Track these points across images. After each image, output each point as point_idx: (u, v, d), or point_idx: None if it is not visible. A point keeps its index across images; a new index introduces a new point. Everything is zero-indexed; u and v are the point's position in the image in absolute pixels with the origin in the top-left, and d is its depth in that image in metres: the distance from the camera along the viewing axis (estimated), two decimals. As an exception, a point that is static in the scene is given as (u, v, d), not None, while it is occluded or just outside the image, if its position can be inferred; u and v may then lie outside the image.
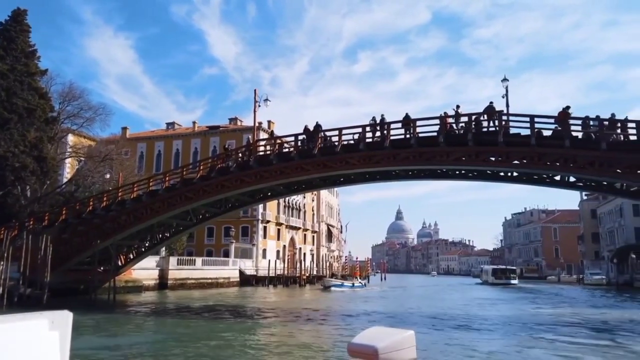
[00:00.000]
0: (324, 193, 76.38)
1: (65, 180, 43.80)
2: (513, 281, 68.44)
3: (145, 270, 36.21)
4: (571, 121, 20.00)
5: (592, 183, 23.22)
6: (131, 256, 32.06)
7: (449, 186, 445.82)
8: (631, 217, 64.36)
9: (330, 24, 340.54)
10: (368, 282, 73.77)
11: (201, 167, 27.88)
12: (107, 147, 42.40)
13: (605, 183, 22.76)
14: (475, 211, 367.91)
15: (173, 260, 39.98)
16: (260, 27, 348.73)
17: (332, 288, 46.53)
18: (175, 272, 39.54)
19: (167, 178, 28.23)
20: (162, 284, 38.06)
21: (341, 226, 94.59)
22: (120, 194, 29.30)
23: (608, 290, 53.32)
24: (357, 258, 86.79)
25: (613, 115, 19.72)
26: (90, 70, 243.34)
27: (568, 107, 19.96)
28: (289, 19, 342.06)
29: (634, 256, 59.09)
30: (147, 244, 31.81)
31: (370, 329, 1.92)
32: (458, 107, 22.45)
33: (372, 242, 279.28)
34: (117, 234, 28.13)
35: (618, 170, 19.27)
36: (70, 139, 45.50)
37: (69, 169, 47.31)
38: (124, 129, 62.37)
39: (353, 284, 52.11)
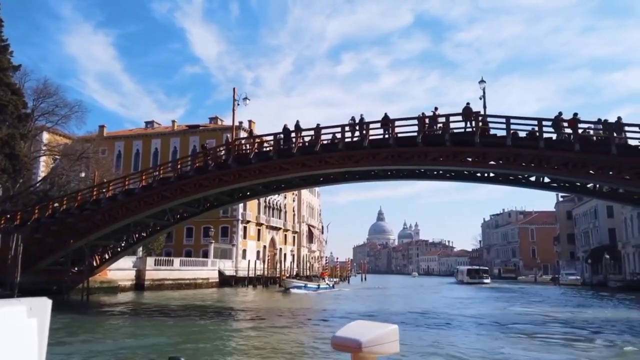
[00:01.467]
0: (305, 193, 76.25)
1: (39, 178, 42.77)
2: (486, 280, 72.40)
3: (121, 270, 35.56)
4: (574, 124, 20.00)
5: (566, 184, 23.65)
6: (106, 256, 31.44)
7: (430, 188, 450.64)
8: (605, 219, 65.87)
9: (314, 24, 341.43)
10: (348, 282, 74.06)
11: (178, 166, 27.50)
12: (83, 146, 41.55)
13: (578, 184, 23.22)
14: (456, 212, 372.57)
15: (150, 260, 39.38)
16: (243, 26, 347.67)
17: (293, 290, 41.37)
18: (153, 272, 38.95)
19: (143, 177, 27.78)
20: (139, 284, 37.45)
21: (322, 227, 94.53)
22: (95, 193, 28.72)
23: (582, 290, 54.48)
24: (337, 259, 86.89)
25: (619, 118, 19.53)
26: (69, 67, 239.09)
27: (576, 114, 20.03)
28: (272, 18, 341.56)
29: (607, 257, 60.51)
30: (123, 244, 31.23)
31: (354, 322, 1.93)
32: (436, 109, 22.65)
33: (354, 242, 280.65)
34: (91, 234, 27.55)
35: (591, 172, 19.65)
36: (45, 136, 44.38)
37: (43, 167, 46.16)
38: (101, 127, 61.22)
39: (319, 285, 47.85)
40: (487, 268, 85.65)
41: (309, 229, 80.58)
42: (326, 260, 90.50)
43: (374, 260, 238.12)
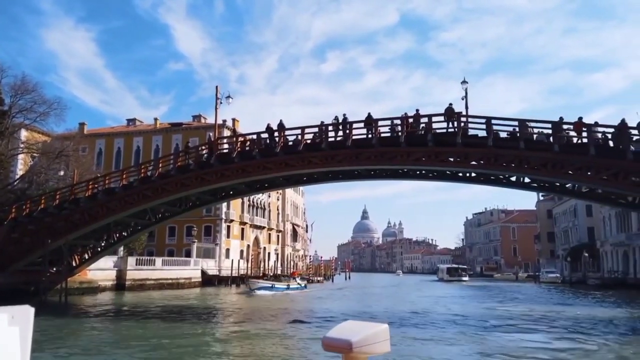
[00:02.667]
0: (289, 192, 76.12)
1: (17, 176, 41.86)
2: (464, 278, 77.48)
3: (101, 270, 35.04)
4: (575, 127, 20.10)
5: (546, 184, 24.01)
6: (86, 256, 30.89)
7: (414, 187, 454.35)
8: (584, 218, 67.19)
9: (299, 22, 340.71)
10: (332, 281, 74.17)
11: (160, 165, 27.16)
12: (62, 143, 40.78)
13: (558, 184, 23.58)
14: (440, 212, 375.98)
15: (131, 260, 38.87)
16: (228, 23, 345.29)
17: (259, 292, 38.07)
18: (134, 272, 38.46)
19: (124, 176, 27.38)
20: (120, 284, 36.95)
21: (307, 225, 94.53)
22: (74, 191, 28.21)
23: (561, 288, 55.49)
24: (321, 258, 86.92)
25: (623, 120, 19.47)
26: (49, 62, 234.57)
27: (581, 118, 20.16)
28: (257, 15, 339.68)
29: (586, 255, 61.73)
30: (103, 244, 30.73)
31: (345, 322, 1.93)
32: (417, 110, 22.77)
33: (339, 241, 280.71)
34: (70, 233, 27.05)
35: (569, 172, 19.96)
36: (24, 134, 43.38)
37: (21, 165, 45.20)
38: (82, 124, 60.17)
39: (288, 285, 44.10)
40: (465, 266, 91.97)
41: (294, 227, 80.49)
42: (310, 259, 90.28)
43: (358, 258, 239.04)
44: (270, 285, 41.13)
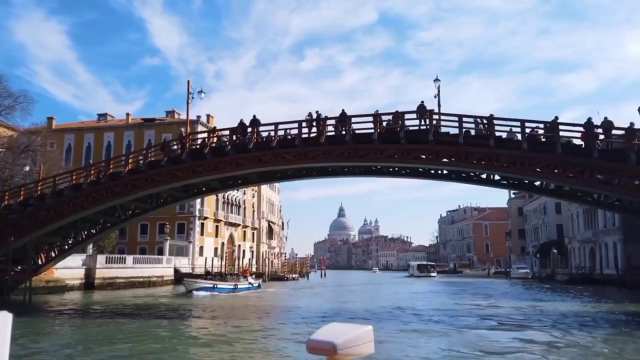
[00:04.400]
0: (265, 189, 75.69)
1: (-20, 172, 40.32)
2: (432, 274, 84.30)
3: (69, 269, 34.11)
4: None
5: (515, 181, 24.44)
6: (53, 254, 29.97)
7: (391, 185, 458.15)
8: (554, 215, 68.92)
9: (278, 18, 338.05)
10: (307, 278, 74.15)
11: (130, 160, 26.56)
12: (29, 138, 39.50)
13: (527, 181, 24.03)
14: (415, 209, 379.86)
15: (101, 258, 37.97)
16: (205, 18, 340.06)
17: (197, 292, 33.62)
18: (104, 270, 37.58)
19: (92, 171, 26.66)
20: (89, 283, 36.05)
21: (282, 223, 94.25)
22: (40, 187, 27.34)
23: (531, 283, 56.87)
24: (297, 255, 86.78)
25: (632, 124, 19.58)
26: (18, 55, 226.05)
27: (590, 118, 20.34)
28: (235, 11, 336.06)
29: (555, 251, 63.36)
30: (70, 242, 29.88)
31: (329, 325, 1.93)
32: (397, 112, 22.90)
33: (315, 239, 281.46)
34: (35, 231, 26.16)
35: (537, 169, 20.38)
36: (-12, 128, 41.96)
37: (-15, 160, 43.61)
38: (50, 119, 58.42)
39: (235, 285, 38.31)
40: (434, 263, 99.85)
41: (269, 225, 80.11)
42: (285, 257, 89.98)
43: (334, 256, 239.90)
44: (211, 286, 36.01)
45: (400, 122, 21.74)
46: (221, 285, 37.05)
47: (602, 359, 12.52)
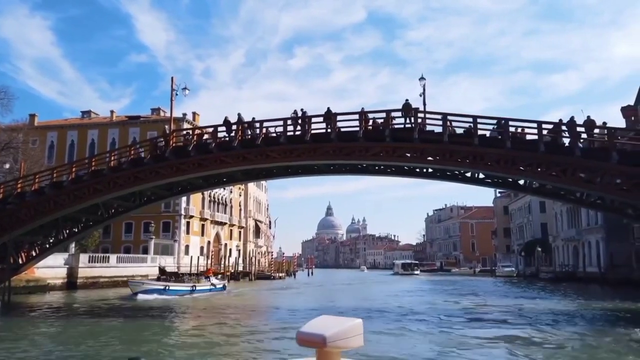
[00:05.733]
0: (252, 188, 75.34)
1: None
2: (416, 272, 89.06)
3: (50, 268, 33.55)
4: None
5: (499, 180, 24.56)
6: (34, 253, 29.41)
7: (379, 183, 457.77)
8: (538, 214, 69.70)
9: (267, 16, 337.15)
10: (294, 277, 74.05)
11: (113, 158, 26.17)
12: (9, 135, 38.76)
13: (510, 180, 24.18)
14: (403, 208, 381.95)
15: (84, 257, 37.43)
16: (194, 15, 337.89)
17: (142, 296, 29.37)
18: (87, 270, 37.05)
19: (73, 169, 26.22)
20: (71, 283, 35.51)
21: (270, 222, 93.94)
22: (20, 185, 26.80)
23: (516, 281, 57.45)
24: (284, 254, 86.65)
25: (605, 123, 19.93)
26: (1, 51, 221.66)
27: (573, 117, 20.44)
28: (224, 8, 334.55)
29: (539, 249, 64.11)
30: (51, 240, 29.36)
31: (319, 317, 1.95)
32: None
33: (303, 237, 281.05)
34: (15, 229, 25.66)
35: (521, 168, 20.50)
36: (-33, 125, 41.07)
37: (-35, 157, 42.69)
38: (32, 115, 57.42)
39: (193, 287, 33.84)
40: (417, 262, 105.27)
41: (256, 224, 79.78)
42: (272, 256, 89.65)
43: (322, 254, 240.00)
44: (162, 288, 31.46)
45: (391, 120, 21.68)
46: (175, 287, 32.55)
47: (576, 357, 12.62)
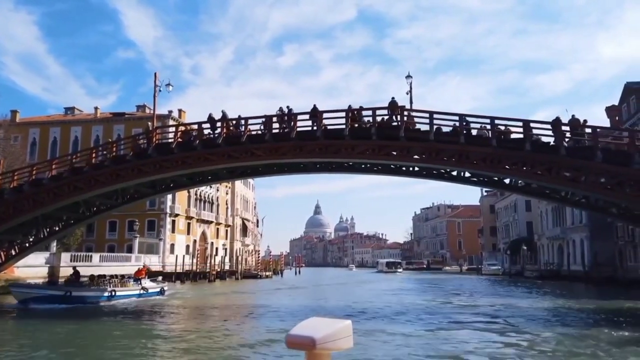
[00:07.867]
0: (239, 186, 74.83)
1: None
2: (399, 271, 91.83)
3: (31, 267, 32.87)
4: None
5: (485, 179, 24.56)
6: (13, 252, 28.78)
7: (368, 182, 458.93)
8: (524, 212, 70.26)
9: (257, 13, 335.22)
10: (281, 276, 73.69)
11: (93, 155, 25.63)
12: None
13: (496, 179, 24.20)
14: (391, 206, 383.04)
15: (65, 256, 36.70)
16: (182, 12, 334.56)
17: (34, 305, 23.24)
18: (69, 269, 36.20)
19: (53, 166, 25.65)
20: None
21: (257, 220, 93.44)
22: (-2, 182, 26.14)
23: (501, 279, 57.83)
24: (271, 253, 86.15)
25: (585, 121, 19.90)
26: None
27: (574, 115, 20.26)
28: (213, 5, 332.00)
29: (525, 248, 64.63)
30: (31, 239, 28.71)
31: (308, 319, 1.93)
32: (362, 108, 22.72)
33: (292, 236, 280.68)
34: (-7, 228, 25.05)
35: (506, 167, 20.48)
36: (-55, 120, 40.08)
37: (-57, 154, 41.65)
38: (14, 111, 56.24)
39: (111, 293, 26.87)
40: (400, 261, 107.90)
41: (243, 222, 79.25)
42: (259, 254, 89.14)
43: (310, 253, 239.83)
44: (62, 294, 24.71)
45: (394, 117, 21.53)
46: (82, 293, 25.90)
47: (554, 355, 12.57)
